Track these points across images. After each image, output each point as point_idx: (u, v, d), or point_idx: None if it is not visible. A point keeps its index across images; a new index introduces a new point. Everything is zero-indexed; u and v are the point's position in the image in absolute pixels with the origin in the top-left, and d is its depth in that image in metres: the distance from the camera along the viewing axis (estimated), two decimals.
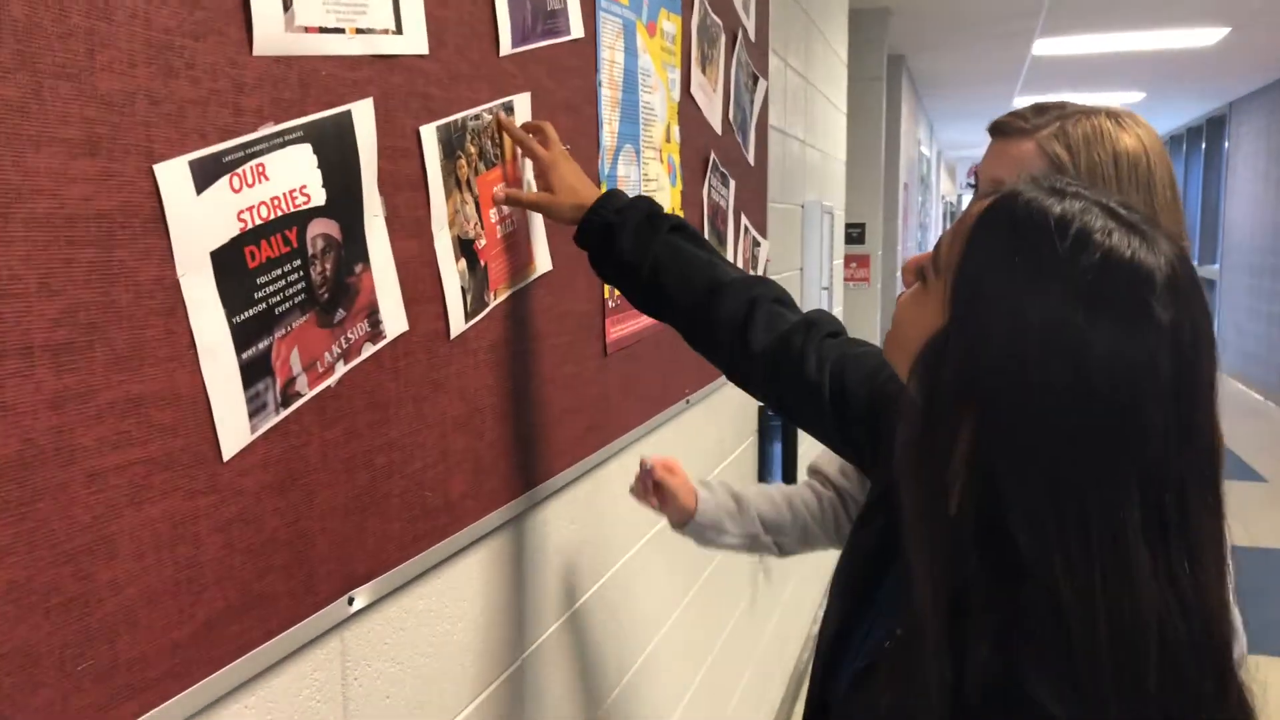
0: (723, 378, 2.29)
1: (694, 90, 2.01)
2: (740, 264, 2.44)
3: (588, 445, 1.52)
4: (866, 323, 6.09)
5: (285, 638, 0.86)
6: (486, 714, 1.25)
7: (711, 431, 2.31)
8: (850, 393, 1.09)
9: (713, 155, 2.14)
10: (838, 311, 4.32)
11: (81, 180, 0.65)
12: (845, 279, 5.81)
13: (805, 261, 3.43)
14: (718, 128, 2.19)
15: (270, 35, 0.82)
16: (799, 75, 3.25)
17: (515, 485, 1.29)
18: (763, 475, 2.84)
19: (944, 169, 16.66)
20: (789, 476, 2.87)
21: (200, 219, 0.75)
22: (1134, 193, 1.13)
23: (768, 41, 2.65)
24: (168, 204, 0.72)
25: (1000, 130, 1.19)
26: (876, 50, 5.90)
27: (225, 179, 0.78)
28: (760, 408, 2.81)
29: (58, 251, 0.64)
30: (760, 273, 2.63)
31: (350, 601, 0.95)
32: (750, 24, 2.45)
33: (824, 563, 4.05)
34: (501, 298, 1.23)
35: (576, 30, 1.43)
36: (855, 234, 5.94)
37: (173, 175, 0.72)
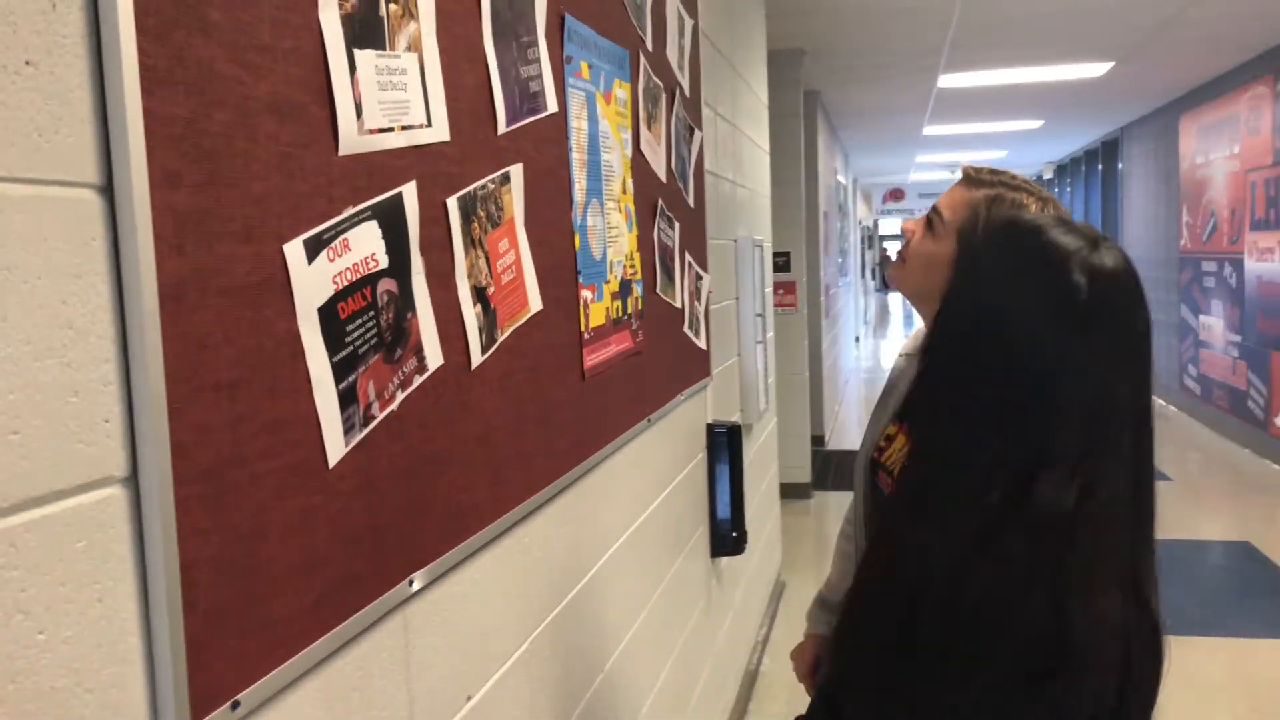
0: (679, 398, 2.56)
1: (643, 146, 2.28)
2: (687, 296, 2.71)
3: (573, 458, 1.76)
4: (796, 346, 6.41)
5: (371, 609, 1.09)
6: (503, 690, 1.47)
7: (668, 448, 2.56)
8: None
9: (660, 201, 2.41)
10: (769, 335, 4.62)
11: (243, 260, 0.89)
12: (775, 305, 6.12)
13: (740, 292, 3.72)
14: (663, 177, 2.47)
15: (349, 139, 1.06)
16: (728, 122, 3.55)
17: (521, 492, 1.52)
18: (712, 488, 3.10)
19: (860, 195, 17.26)
20: (736, 488, 3.13)
21: (310, 283, 0.99)
22: None
23: (700, 95, 2.94)
24: (292, 273, 0.96)
25: (964, 175, 1.56)
26: (793, 89, 6.27)
27: (324, 252, 1.01)
28: (708, 425, 3.07)
29: (231, 313, 0.87)
30: (703, 304, 2.91)
31: (410, 583, 1.19)
32: (685, 81, 2.74)
33: (767, 570, 4.31)
34: (507, 333, 1.48)
35: (552, 106, 1.69)
36: (781, 262, 6.28)
37: (295, 252, 0.96)
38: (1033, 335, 0.95)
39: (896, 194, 17.24)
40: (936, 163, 14.49)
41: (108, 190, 0.76)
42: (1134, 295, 1.01)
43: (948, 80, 7.63)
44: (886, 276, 1.56)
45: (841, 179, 11.55)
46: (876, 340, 16.79)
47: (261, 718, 0.92)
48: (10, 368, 0.68)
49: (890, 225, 28.79)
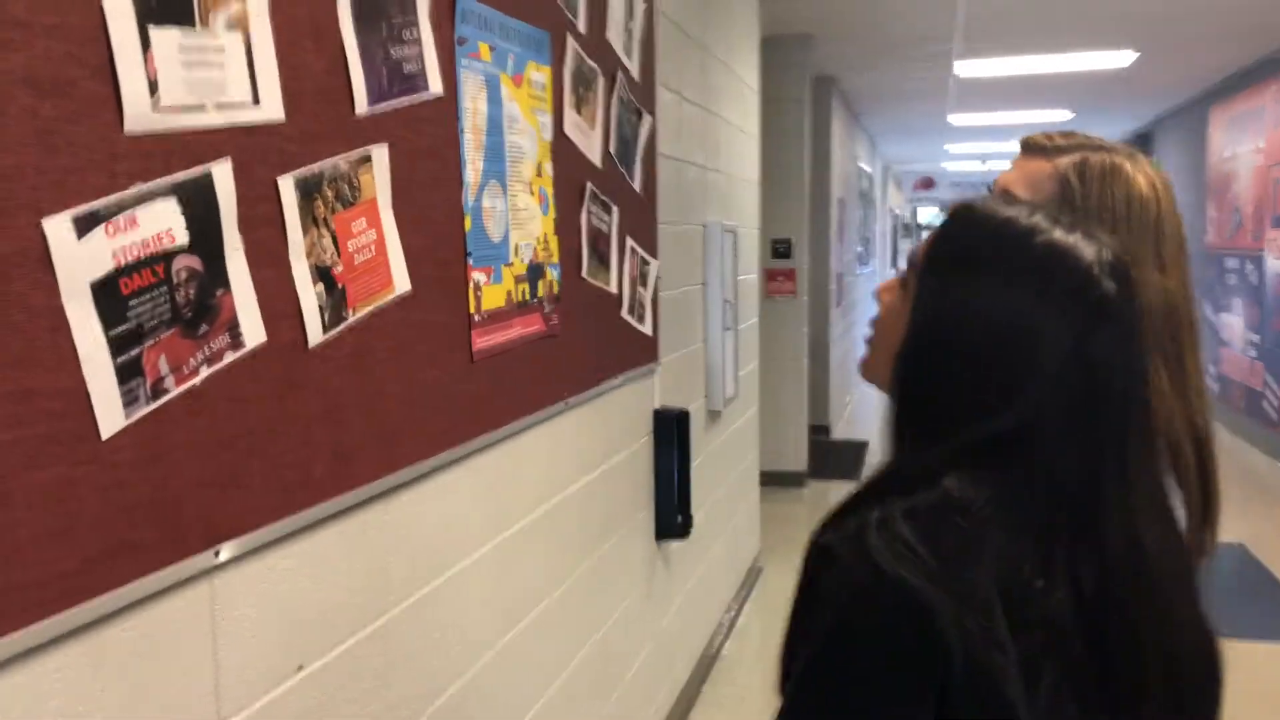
0: (612, 382, 2.57)
1: (567, 129, 2.28)
2: (628, 282, 2.71)
3: (454, 438, 1.78)
4: (794, 332, 6.39)
5: (157, 577, 1.11)
6: (348, 661, 1.50)
7: (598, 431, 2.57)
8: None
9: (589, 186, 2.41)
10: (751, 322, 4.61)
11: None
12: (770, 292, 6.10)
13: (707, 278, 3.72)
14: (597, 161, 2.47)
15: (139, 117, 1.08)
16: (697, 105, 3.54)
17: (378, 469, 1.54)
18: (659, 473, 3.10)
19: (892, 183, 17.09)
20: (683, 482, 3.13)
21: (81, 258, 1.01)
22: (1142, 237, 1.17)
23: (654, 78, 2.93)
24: (54, 249, 0.98)
25: (1025, 147, 1.29)
26: (798, 74, 6.22)
27: (102, 228, 1.03)
28: (655, 411, 3.08)
29: None
30: (650, 289, 2.91)
31: (216, 553, 1.21)
32: (633, 65, 2.73)
33: (740, 555, 4.32)
34: (361, 314, 1.49)
35: (435, 88, 1.69)
36: (782, 249, 6.25)
37: (58, 227, 0.98)
38: (1064, 351, 0.82)
39: (927, 182, 17.03)
40: (968, 153, 14.30)
41: None
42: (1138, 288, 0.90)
43: (965, 68, 7.52)
44: None
45: (865, 166, 11.44)
46: None
47: (7, 678, 0.94)
48: None
49: (928, 214, 28.50)
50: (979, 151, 14.42)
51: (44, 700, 0.99)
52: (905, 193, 17.85)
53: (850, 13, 5.77)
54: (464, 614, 1.86)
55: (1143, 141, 11.68)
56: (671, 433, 3.11)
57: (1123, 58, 7.20)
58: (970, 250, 0.87)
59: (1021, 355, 0.82)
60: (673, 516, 3.11)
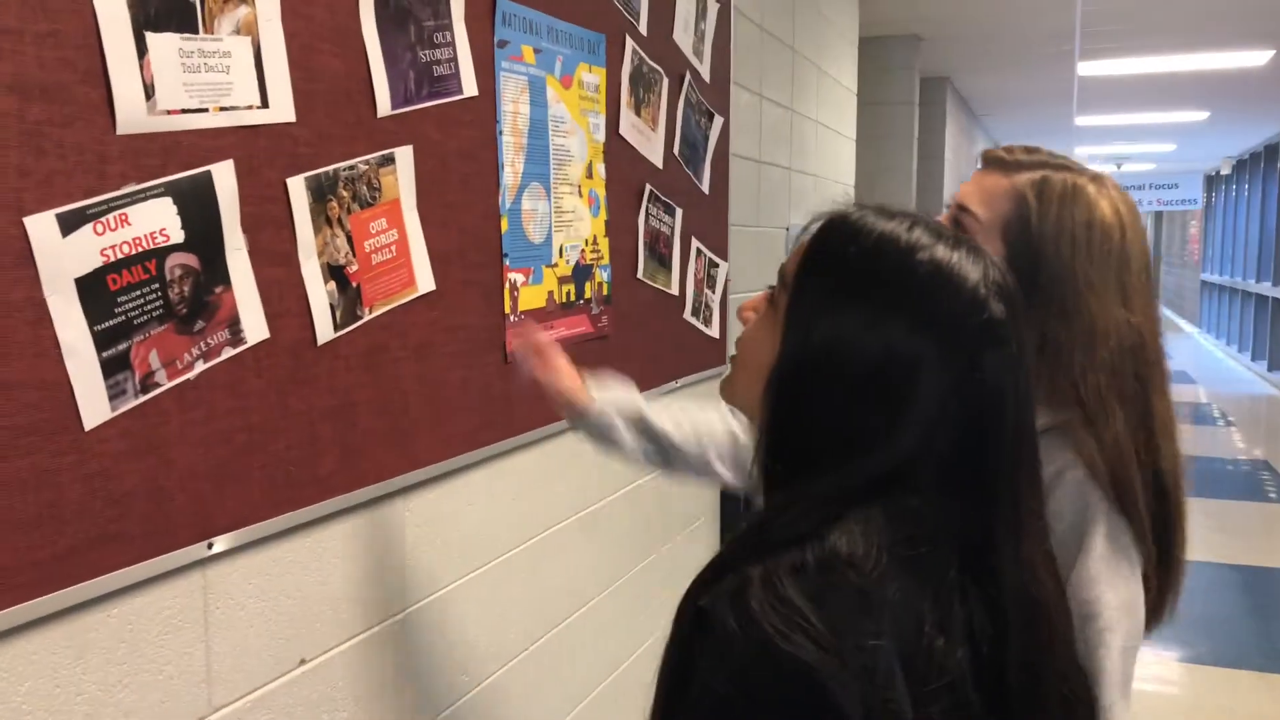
0: (672, 385, 2.55)
1: (624, 131, 2.27)
2: (693, 284, 2.68)
3: (482, 439, 1.79)
4: None
5: (143, 566, 1.15)
6: (361, 655, 1.52)
7: None
8: None
9: (649, 187, 2.39)
10: None
11: None
12: None
13: None
14: (658, 162, 2.45)
15: (133, 119, 1.11)
16: (780, 106, 3.48)
17: (392, 467, 1.56)
18: None
19: None
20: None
21: (66, 255, 1.04)
22: (1104, 264, 1.12)
23: (729, 80, 2.89)
24: (36, 245, 1.01)
25: (985, 160, 1.24)
26: (905, 75, 6.07)
27: (89, 226, 1.07)
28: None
29: None
30: (718, 292, 2.87)
31: (209, 546, 1.24)
32: (704, 67, 2.70)
33: None
34: (378, 312, 1.51)
35: (469, 90, 1.70)
36: None
37: (40, 225, 1.02)
38: (948, 381, 0.76)
39: None
40: (1098, 155, 13.74)
41: None
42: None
43: (1089, 68, 7.22)
44: None
45: None
46: None
47: None
48: None
49: None
50: (1112, 154, 13.85)
51: (18, 682, 1.03)
52: None
53: (961, 13, 5.59)
54: (489, 617, 1.86)
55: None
56: None
57: (1258, 56, 6.80)
58: (844, 269, 0.79)
59: (900, 386, 0.75)
60: (738, 524, 3.06)
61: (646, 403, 1.54)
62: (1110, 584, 1.08)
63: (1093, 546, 1.08)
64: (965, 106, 8.85)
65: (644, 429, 1.51)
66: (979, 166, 1.25)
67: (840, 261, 0.80)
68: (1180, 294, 18.74)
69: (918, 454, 0.74)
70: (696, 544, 2.88)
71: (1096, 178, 1.18)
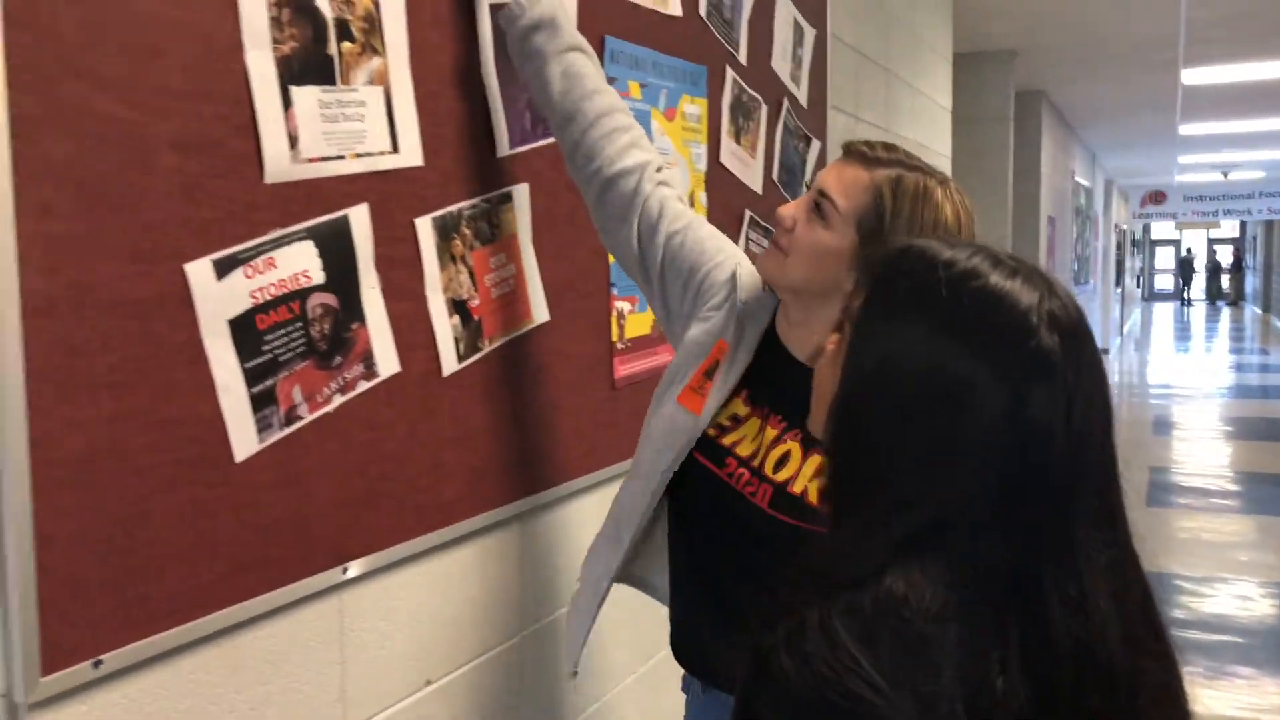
0: None
1: (725, 159, 2.31)
2: None
3: (591, 464, 1.83)
4: None
5: (286, 590, 1.21)
6: (482, 676, 1.57)
7: None
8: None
9: (748, 213, 2.42)
10: None
11: (130, 277, 1.02)
12: None
13: None
14: (758, 188, 2.47)
15: (279, 169, 1.18)
16: (876, 127, 3.48)
17: (512, 492, 1.61)
18: None
19: (1117, 197, 16.11)
20: None
21: (220, 298, 1.12)
22: None
23: (825, 104, 2.91)
24: (195, 289, 1.09)
25: (847, 151, 1.33)
26: (1001, 91, 5.99)
27: (240, 270, 1.14)
28: None
29: (112, 325, 1.01)
30: None
31: (345, 570, 1.30)
32: (801, 93, 2.72)
33: None
34: (498, 343, 1.57)
35: None
36: None
37: (199, 271, 1.09)
38: (999, 410, 0.75)
39: (1157, 197, 15.90)
40: (1203, 163, 13.31)
41: None
42: (1093, 341, 0.82)
43: (1193, 76, 7.03)
44: (757, 266, 1.39)
45: (1084, 180, 10.85)
46: (1140, 353, 15.56)
47: (141, 675, 1.05)
48: None
49: (1162, 230, 26.72)
50: (1218, 162, 13.41)
51: (178, 699, 1.10)
52: (1132, 207, 16.80)
53: (1058, 25, 5.51)
54: (606, 635, 1.90)
55: None
56: None
57: None
58: (898, 295, 0.80)
59: (951, 410, 0.74)
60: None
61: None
62: None
63: None
64: (1061, 119, 8.68)
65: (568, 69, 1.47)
66: (840, 156, 1.33)
67: (895, 288, 0.81)
68: None
69: (972, 487, 0.74)
70: None
71: (944, 181, 1.29)
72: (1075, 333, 0.77)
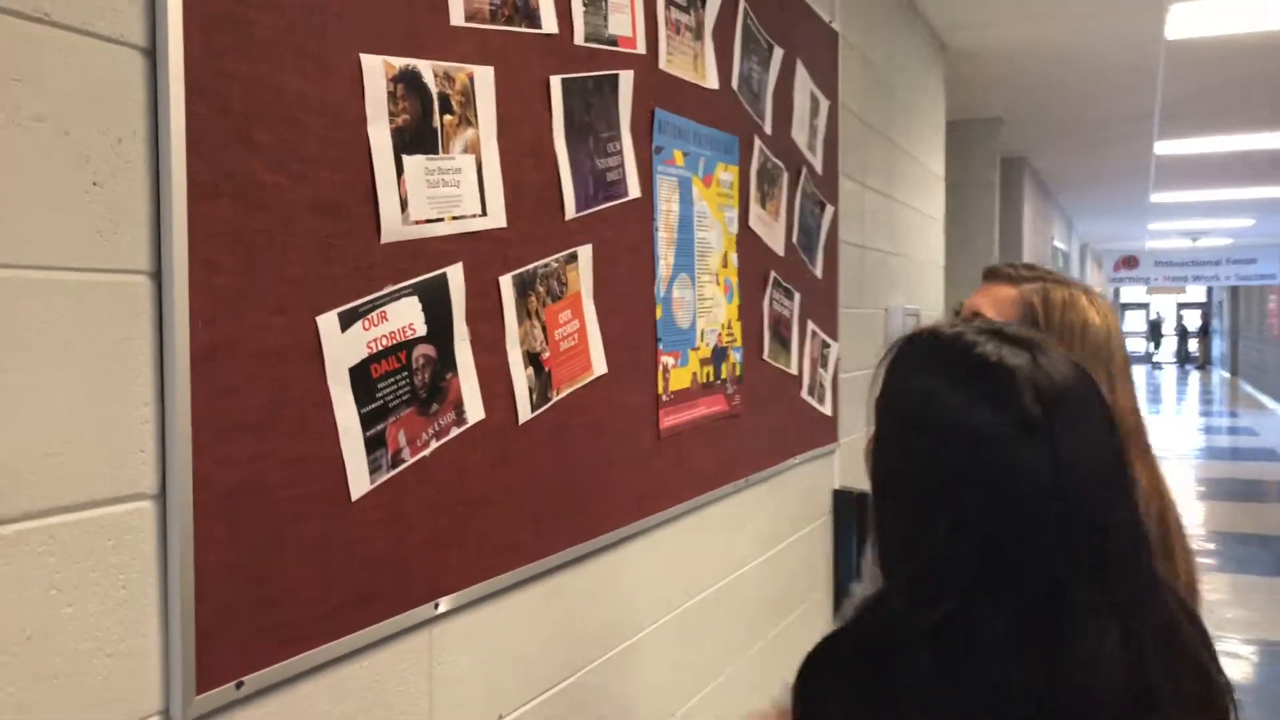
0: (792, 461, 2.67)
1: (752, 223, 2.43)
2: (808, 364, 2.82)
3: (642, 510, 1.92)
4: None
5: (388, 624, 1.29)
6: (540, 714, 1.64)
7: (777, 509, 2.67)
8: None
9: (773, 274, 2.55)
10: None
11: (274, 329, 1.12)
12: None
13: None
14: (780, 250, 2.60)
15: (392, 230, 1.29)
16: (878, 193, 3.64)
17: (573, 536, 1.70)
18: (838, 554, 3.16)
19: (1091, 261, 16.49)
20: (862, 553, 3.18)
21: (342, 348, 1.21)
22: (1094, 358, 1.35)
23: (837, 171, 3.06)
24: (324, 340, 1.18)
25: (991, 274, 1.49)
26: (988, 157, 6.21)
27: (359, 322, 1.24)
28: (835, 491, 3.14)
29: (259, 371, 1.10)
30: (830, 371, 3.00)
31: (436, 606, 1.38)
32: (816, 159, 2.87)
33: None
34: (564, 394, 1.66)
35: (634, 192, 1.88)
36: None
37: (328, 322, 1.19)
38: (998, 462, 0.85)
39: (1129, 261, 16.31)
40: (1174, 230, 13.68)
41: (157, 275, 1.00)
42: (1090, 404, 0.90)
43: (1166, 147, 7.30)
44: None
45: (1060, 244, 11.14)
46: None
47: (269, 699, 1.13)
48: (69, 405, 0.92)
49: (1131, 293, 27.16)
50: (1188, 229, 13.78)
51: None
52: (1106, 271, 17.18)
53: (1042, 96, 5.74)
54: (646, 679, 1.98)
55: None
56: (851, 513, 3.16)
57: None
58: (918, 359, 0.94)
59: (940, 499, 0.86)
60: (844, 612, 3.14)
61: None
62: None
63: None
64: (1041, 185, 8.94)
65: None
66: (985, 281, 1.48)
67: (916, 352, 0.95)
68: (1262, 368, 18.38)
69: (971, 556, 0.84)
70: (817, 616, 2.97)
71: (1087, 291, 1.42)
72: (1061, 400, 0.86)
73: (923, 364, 0.93)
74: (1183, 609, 0.95)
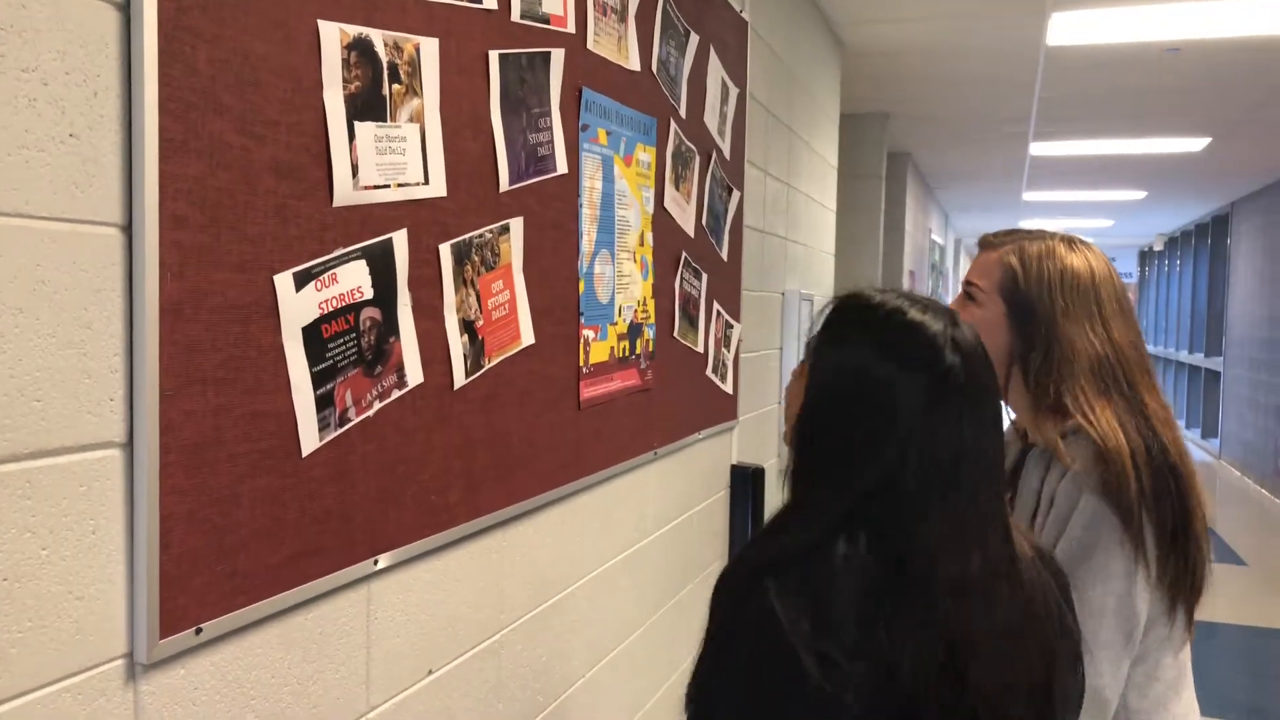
0: (696, 436, 2.76)
1: (667, 204, 2.51)
2: (713, 343, 2.92)
3: (561, 478, 1.99)
4: None
5: (333, 577, 1.33)
6: (468, 670, 1.70)
7: (682, 482, 2.76)
8: None
9: (684, 254, 2.63)
10: None
11: (236, 285, 1.14)
12: None
13: (784, 342, 3.91)
14: (690, 232, 2.69)
15: (344, 194, 1.32)
16: (781, 181, 3.76)
17: (501, 500, 1.75)
18: (734, 526, 3.27)
19: (965, 255, 17.16)
20: (756, 527, 3.31)
21: (297, 307, 1.24)
22: (1075, 299, 1.44)
23: (743, 158, 3.16)
24: (280, 298, 1.21)
25: (981, 244, 1.60)
26: (876, 150, 6.44)
27: (313, 283, 1.27)
28: (732, 466, 3.26)
29: (221, 327, 1.13)
30: (732, 351, 3.11)
31: (375, 562, 1.42)
32: (725, 145, 2.97)
33: None
34: (495, 362, 1.71)
35: (562, 168, 1.93)
36: None
37: (284, 281, 1.22)
38: (910, 411, 1.02)
39: None
40: (1043, 227, 14.33)
41: (128, 229, 1.02)
42: (990, 365, 1.11)
43: (1040, 148, 7.68)
44: None
45: (938, 239, 11.58)
46: None
47: (224, 645, 1.16)
48: (39, 353, 0.94)
49: None
50: (1056, 227, 14.45)
51: (248, 670, 1.21)
52: None
53: (928, 94, 5.98)
54: (562, 641, 2.05)
55: (1220, 224, 11.65)
56: (747, 488, 3.28)
57: (1195, 143, 7.30)
58: (845, 327, 1.09)
59: (875, 404, 1.02)
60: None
61: None
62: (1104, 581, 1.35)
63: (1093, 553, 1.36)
64: (922, 180, 9.29)
65: None
66: (978, 251, 1.59)
67: (843, 322, 1.10)
68: None
69: (890, 472, 1.00)
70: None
71: (1067, 238, 1.51)
72: (973, 355, 1.05)
73: (852, 322, 1.10)
74: (1049, 568, 1.15)
